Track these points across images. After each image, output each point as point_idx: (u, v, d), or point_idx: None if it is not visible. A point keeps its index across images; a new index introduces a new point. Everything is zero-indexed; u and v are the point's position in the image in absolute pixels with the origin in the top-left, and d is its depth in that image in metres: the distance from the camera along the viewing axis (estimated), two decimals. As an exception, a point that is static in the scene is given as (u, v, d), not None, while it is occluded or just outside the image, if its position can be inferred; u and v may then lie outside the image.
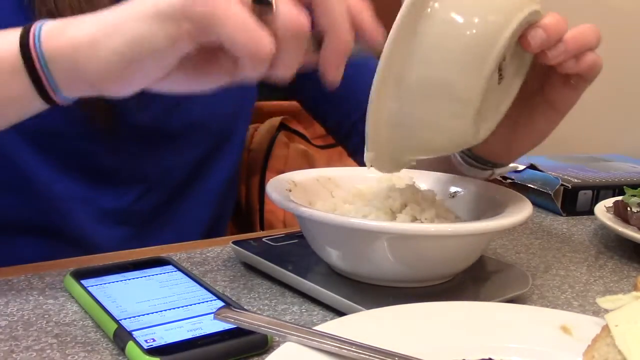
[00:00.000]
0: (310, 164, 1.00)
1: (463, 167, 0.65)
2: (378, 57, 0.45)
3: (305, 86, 0.86)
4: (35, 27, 0.44)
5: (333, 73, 0.43)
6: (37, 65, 0.44)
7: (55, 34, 0.44)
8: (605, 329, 0.38)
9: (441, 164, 0.67)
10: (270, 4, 0.39)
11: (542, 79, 0.55)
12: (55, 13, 0.61)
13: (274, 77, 0.43)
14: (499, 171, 0.65)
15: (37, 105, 0.46)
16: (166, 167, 0.75)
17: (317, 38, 0.42)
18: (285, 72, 0.42)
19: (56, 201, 0.70)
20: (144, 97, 0.51)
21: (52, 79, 0.44)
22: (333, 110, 0.86)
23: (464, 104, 0.46)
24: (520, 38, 0.48)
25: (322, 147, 1.05)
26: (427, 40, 0.44)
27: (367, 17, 0.43)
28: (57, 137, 0.68)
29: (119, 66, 0.42)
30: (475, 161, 0.64)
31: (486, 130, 0.51)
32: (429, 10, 0.44)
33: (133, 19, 0.41)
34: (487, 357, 0.38)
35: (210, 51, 0.44)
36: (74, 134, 0.68)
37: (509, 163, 0.66)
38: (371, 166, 0.51)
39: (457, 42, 0.45)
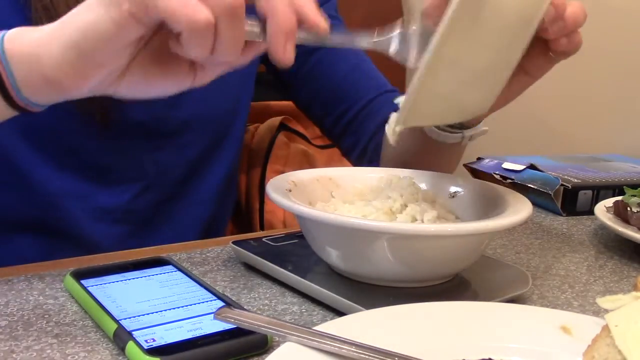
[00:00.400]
0: (310, 164, 1.00)
1: (433, 132, 0.65)
2: (326, 46, 0.47)
3: (299, 87, 0.86)
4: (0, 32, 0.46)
5: (280, 55, 0.44)
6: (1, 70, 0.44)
7: (18, 35, 0.45)
8: (605, 329, 0.38)
9: (414, 140, 0.68)
10: None
11: None
12: (51, 9, 0.61)
13: (220, 62, 0.43)
14: (468, 133, 0.65)
15: (1, 109, 0.46)
16: (165, 164, 0.76)
17: (264, 25, 0.43)
18: (227, 53, 0.43)
19: (54, 198, 0.70)
20: None
21: (12, 76, 0.44)
22: (327, 111, 0.86)
23: (502, 75, 0.50)
24: None
25: (322, 147, 1.05)
26: (482, 19, 0.45)
27: (308, 7, 0.44)
28: (54, 133, 0.68)
29: (71, 56, 0.42)
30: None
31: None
32: None
33: (82, 10, 0.42)
34: (487, 357, 0.38)
35: (165, 54, 0.44)
36: (71, 130, 0.68)
37: (476, 124, 0.66)
38: (393, 135, 0.51)
39: (509, 16, 0.46)
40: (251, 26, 0.43)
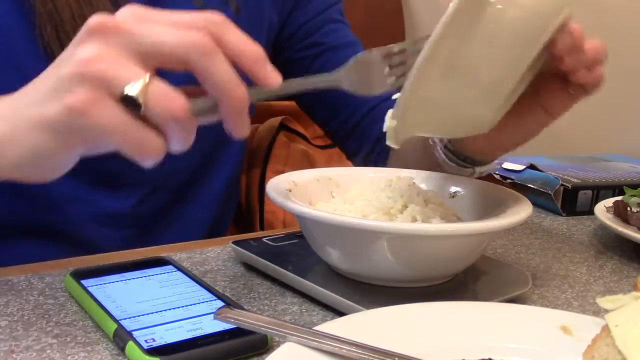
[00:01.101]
0: (310, 164, 1.00)
1: (446, 164, 0.65)
2: (280, 98, 0.45)
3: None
4: None
5: (237, 130, 0.42)
6: None
7: None
8: (605, 329, 0.38)
9: (425, 160, 0.67)
10: (138, 105, 0.38)
11: (538, 81, 0.55)
12: (54, 14, 0.61)
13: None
14: (479, 170, 0.65)
15: None
16: (169, 169, 0.75)
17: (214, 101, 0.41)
18: (182, 147, 0.41)
19: (57, 203, 0.70)
20: None
21: None
22: (331, 115, 0.86)
23: (499, 90, 0.48)
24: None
25: (322, 147, 1.05)
26: (480, 29, 0.45)
27: (254, 62, 0.41)
28: None
29: (25, 169, 0.42)
30: (457, 157, 0.64)
31: (498, 118, 0.52)
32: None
33: (25, 128, 0.41)
34: (487, 357, 0.38)
35: None
36: None
37: (491, 161, 0.65)
38: (385, 132, 0.50)
39: (509, 29, 0.46)
40: (201, 105, 0.41)
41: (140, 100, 0.38)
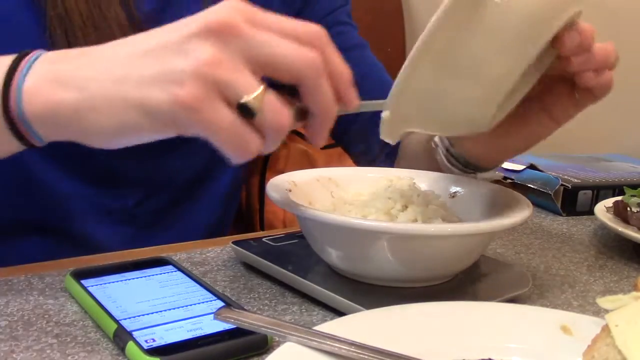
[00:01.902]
0: (310, 164, 1.00)
1: (448, 169, 0.65)
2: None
3: None
4: (15, 84, 0.43)
5: (319, 140, 0.45)
6: (19, 125, 0.43)
7: (36, 95, 0.42)
8: (605, 329, 0.38)
9: (428, 165, 0.67)
10: (252, 113, 0.40)
11: (544, 86, 0.54)
12: (65, 18, 0.61)
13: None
14: (481, 176, 0.64)
15: (15, 147, 0.46)
16: (171, 170, 0.75)
17: (302, 109, 0.43)
18: (272, 149, 0.43)
19: (59, 201, 0.70)
20: None
21: (35, 134, 0.44)
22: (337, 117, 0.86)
23: (497, 86, 0.47)
24: (556, 36, 0.47)
25: (322, 147, 1.05)
26: (481, 19, 0.44)
27: (346, 84, 0.44)
28: None
29: (103, 139, 0.43)
30: (458, 162, 0.64)
31: (498, 118, 0.51)
32: None
33: (119, 105, 0.40)
34: (487, 357, 0.38)
35: None
36: None
37: (492, 167, 0.65)
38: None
39: (511, 22, 0.44)
40: (293, 115, 0.42)
41: (256, 111, 0.39)
